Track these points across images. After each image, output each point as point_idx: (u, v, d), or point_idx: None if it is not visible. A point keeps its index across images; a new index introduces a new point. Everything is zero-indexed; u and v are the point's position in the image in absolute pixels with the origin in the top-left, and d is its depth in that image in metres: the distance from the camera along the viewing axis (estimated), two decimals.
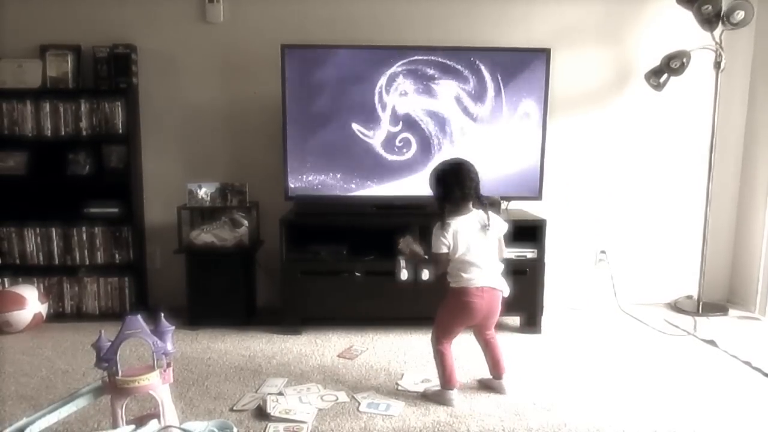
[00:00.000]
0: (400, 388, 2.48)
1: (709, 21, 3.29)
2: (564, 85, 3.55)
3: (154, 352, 1.93)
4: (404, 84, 3.21)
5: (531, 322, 3.20)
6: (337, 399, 2.36)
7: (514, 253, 3.10)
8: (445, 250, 2.28)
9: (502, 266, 2.39)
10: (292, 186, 3.25)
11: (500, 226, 2.37)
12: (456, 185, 2.28)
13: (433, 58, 3.21)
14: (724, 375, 2.66)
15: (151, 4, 3.44)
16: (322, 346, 2.98)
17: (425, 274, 3.08)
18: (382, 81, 3.20)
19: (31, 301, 3.18)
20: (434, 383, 2.46)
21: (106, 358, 1.87)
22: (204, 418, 2.15)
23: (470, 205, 2.32)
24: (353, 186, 3.28)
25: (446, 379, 2.33)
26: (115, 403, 1.90)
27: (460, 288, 2.30)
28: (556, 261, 3.55)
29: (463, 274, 2.29)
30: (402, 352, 2.89)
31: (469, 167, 2.32)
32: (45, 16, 3.41)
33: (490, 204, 2.37)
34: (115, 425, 1.89)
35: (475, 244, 2.29)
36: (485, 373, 2.51)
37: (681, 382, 2.57)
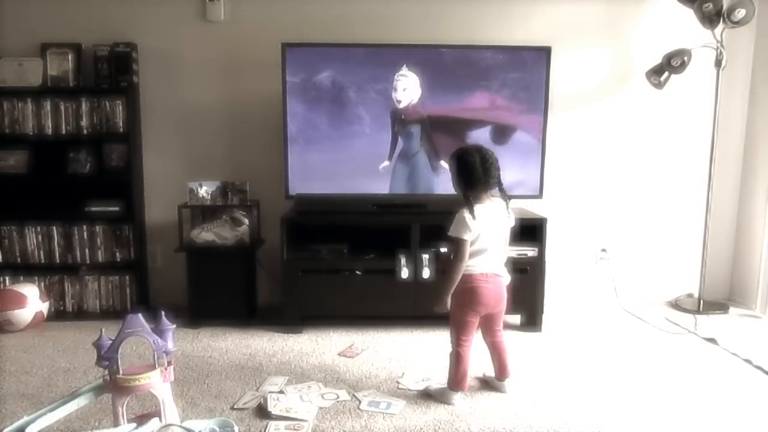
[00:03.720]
0: (400, 386, 2.49)
1: (710, 19, 3.28)
2: (564, 84, 3.55)
3: (154, 350, 1.93)
4: (405, 82, 3.21)
5: (531, 320, 3.20)
6: (338, 397, 2.37)
7: (514, 251, 3.10)
8: (466, 236, 2.24)
9: (505, 257, 2.39)
10: (292, 184, 3.25)
11: (512, 220, 2.38)
12: (482, 173, 2.25)
13: (433, 56, 3.21)
14: (724, 373, 2.66)
15: (152, 2, 3.44)
16: (323, 345, 2.98)
17: (426, 273, 3.09)
18: (383, 79, 3.20)
19: (32, 300, 3.18)
20: (435, 381, 2.46)
21: (107, 357, 1.87)
22: (205, 417, 2.15)
23: (490, 194, 2.31)
24: (354, 184, 3.27)
25: (456, 381, 2.32)
26: (116, 401, 1.90)
27: (465, 275, 2.28)
28: (557, 259, 3.55)
29: (468, 261, 2.28)
30: (403, 351, 2.89)
31: (492, 154, 2.29)
32: (46, 14, 3.41)
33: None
34: (116, 424, 1.90)
35: (489, 234, 2.28)
36: (486, 371, 2.52)
37: (682, 380, 2.57)
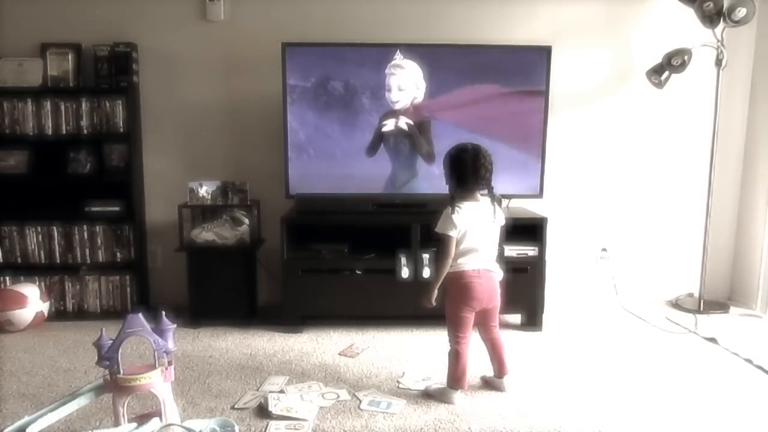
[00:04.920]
0: (401, 386, 2.49)
1: (711, 18, 3.28)
2: (565, 83, 3.54)
3: (155, 350, 1.93)
4: (405, 81, 3.20)
5: (532, 320, 3.20)
6: (338, 397, 2.37)
7: (515, 250, 3.11)
8: (452, 233, 2.26)
9: (495, 253, 2.40)
10: (292, 184, 3.25)
11: (501, 221, 2.38)
12: (472, 170, 2.26)
13: (434, 55, 3.20)
14: (725, 373, 2.66)
15: (152, 2, 3.44)
16: (323, 344, 2.98)
17: (426, 272, 3.09)
18: (383, 78, 3.20)
19: (33, 300, 3.18)
20: (436, 381, 2.47)
21: (107, 357, 1.87)
22: (205, 417, 2.15)
23: (479, 193, 2.32)
24: (354, 184, 3.27)
25: (455, 380, 2.33)
26: (116, 401, 1.90)
27: (457, 272, 2.30)
28: (557, 259, 3.55)
29: (459, 260, 2.30)
30: (403, 350, 2.89)
31: (486, 153, 2.29)
32: (45, 14, 3.41)
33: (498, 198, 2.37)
34: (116, 423, 1.90)
35: (479, 233, 2.29)
36: (487, 371, 2.52)
37: (682, 380, 2.57)
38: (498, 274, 2.39)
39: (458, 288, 2.31)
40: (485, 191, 2.33)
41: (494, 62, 3.22)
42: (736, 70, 3.59)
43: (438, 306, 2.37)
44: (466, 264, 2.30)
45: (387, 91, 3.19)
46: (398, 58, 3.16)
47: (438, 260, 2.36)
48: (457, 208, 2.27)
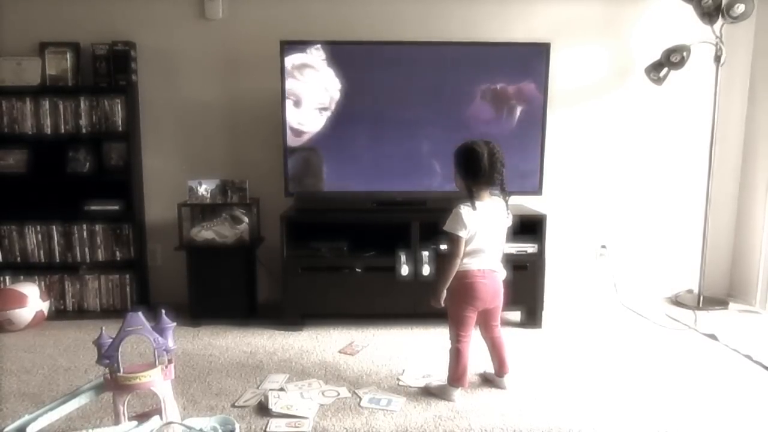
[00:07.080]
0: (401, 383, 2.49)
1: (709, 15, 3.28)
2: (564, 80, 3.54)
3: (155, 348, 1.94)
4: (404, 80, 3.20)
5: (531, 317, 3.21)
6: (339, 394, 2.37)
7: (514, 248, 3.11)
8: (462, 233, 2.23)
9: (501, 254, 2.39)
10: (292, 182, 3.25)
11: (510, 221, 2.37)
12: (488, 164, 2.22)
13: (432, 53, 3.20)
14: (724, 369, 2.66)
15: (150, 1, 3.44)
16: (323, 342, 2.99)
17: (426, 270, 3.09)
18: (382, 76, 3.19)
19: (33, 299, 3.18)
20: (436, 378, 2.47)
21: (107, 355, 1.88)
22: (206, 415, 2.15)
23: (491, 192, 2.30)
24: (354, 182, 3.27)
25: (456, 377, 2.32)
26: (116, 399, 1.91)
27: (461, 272, 2.29)
28: (557, 256, 3.55)
29: (465, 259, 2.28)
30: (403, 348, 2.90)
31: (499, 147, 2.25)
32: (44, 13, 3.41)
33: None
34: (117, 422, 1.90)
35: (488, 233, 2.28)
36: (486, 369, 2.52)
37: (682, 376, 2.57)
38: (501, 273, 2.39)
39: (462, 287, 2.30)
40: (497, 189, 2.30)
41: (493, 59, 3.22)
42: (735, 66, 3.59)
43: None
44: (471, 264, 2.29)
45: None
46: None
47: (445, 260, 2.33)
48: (468, 207, 2.24)
